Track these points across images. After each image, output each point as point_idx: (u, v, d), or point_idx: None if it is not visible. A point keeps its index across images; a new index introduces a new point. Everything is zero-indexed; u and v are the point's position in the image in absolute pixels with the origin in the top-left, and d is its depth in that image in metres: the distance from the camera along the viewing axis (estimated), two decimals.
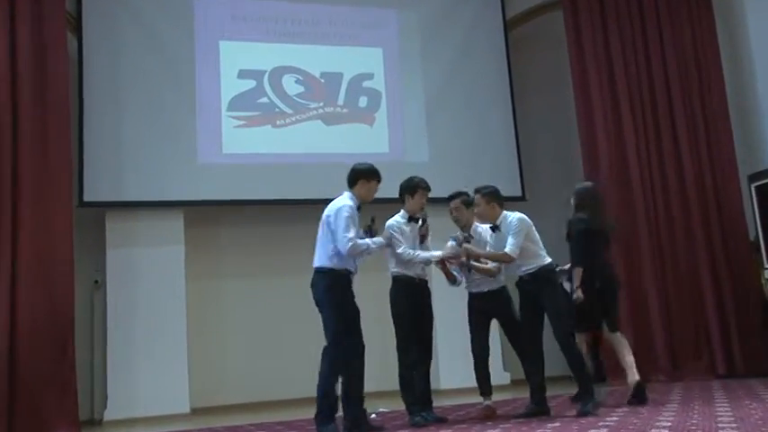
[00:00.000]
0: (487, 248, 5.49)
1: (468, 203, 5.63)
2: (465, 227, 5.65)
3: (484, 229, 5.65)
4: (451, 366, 7.74)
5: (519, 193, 8.53)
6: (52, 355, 6.33)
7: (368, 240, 5.08)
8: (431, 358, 5.55)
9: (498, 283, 5.63)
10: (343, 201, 5.15)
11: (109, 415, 7.06)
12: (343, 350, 4.93)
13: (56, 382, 6.30)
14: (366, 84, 8.47)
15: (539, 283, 5.26)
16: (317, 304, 5.04)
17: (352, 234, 4.94)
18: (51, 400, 6.25)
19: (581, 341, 5.67)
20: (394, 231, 5.40)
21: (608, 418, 4.77)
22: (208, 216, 8.06)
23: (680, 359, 7.59)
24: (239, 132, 7.92)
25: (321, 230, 5.12)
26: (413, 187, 5.55)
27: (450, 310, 7.66)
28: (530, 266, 5.30)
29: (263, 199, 7.91)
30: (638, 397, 5.49)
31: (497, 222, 5.38)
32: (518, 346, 5.55)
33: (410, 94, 8.55)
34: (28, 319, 6.27)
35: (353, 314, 5.06)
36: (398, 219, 5.53)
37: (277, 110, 8.10)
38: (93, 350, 7.49)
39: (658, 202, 7.99)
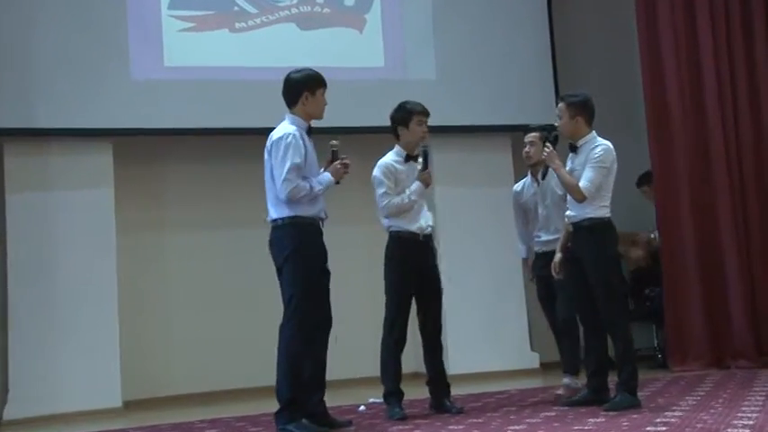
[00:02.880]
0: None
1: None
2: None
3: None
4: (460, 347, 7.71)
5: (553, 123, 8.25)
6: None
7: (309, 183, 5.01)
8: (439, 335, 5.73)
9: None
10: (283, 128, 5.07)
11: (10, 413, 6.90)
12: (308, 325, 4.96)
13: None
14: None
15: (581, 239, 5.24)
16: (278, 270, 5.10)
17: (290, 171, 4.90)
18: None
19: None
20: (383, 177, 5.45)
21: (668, 413, 4.80)
22: (145, 149, 7.85)
23: (766, 341, 7.53)
24: (186, 38, 7.68)
25: (267, 174, 5.11)
26: (406, 115, 5.54)
27: (457, 277, 7.55)
28: (575, 215, 5.25)
29: (217, 127, 7.67)
30: None
31: (578, 143, 5.34)
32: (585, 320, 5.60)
33: None
34: None
35: (321, 278, 5.06)
36: (392, 157, 5.56)
37: (236, 8, 7.82)
38: None
39: (744, 145, 7.78)
